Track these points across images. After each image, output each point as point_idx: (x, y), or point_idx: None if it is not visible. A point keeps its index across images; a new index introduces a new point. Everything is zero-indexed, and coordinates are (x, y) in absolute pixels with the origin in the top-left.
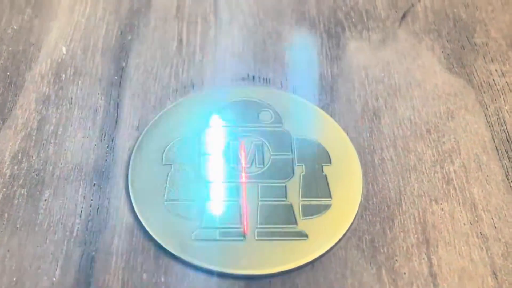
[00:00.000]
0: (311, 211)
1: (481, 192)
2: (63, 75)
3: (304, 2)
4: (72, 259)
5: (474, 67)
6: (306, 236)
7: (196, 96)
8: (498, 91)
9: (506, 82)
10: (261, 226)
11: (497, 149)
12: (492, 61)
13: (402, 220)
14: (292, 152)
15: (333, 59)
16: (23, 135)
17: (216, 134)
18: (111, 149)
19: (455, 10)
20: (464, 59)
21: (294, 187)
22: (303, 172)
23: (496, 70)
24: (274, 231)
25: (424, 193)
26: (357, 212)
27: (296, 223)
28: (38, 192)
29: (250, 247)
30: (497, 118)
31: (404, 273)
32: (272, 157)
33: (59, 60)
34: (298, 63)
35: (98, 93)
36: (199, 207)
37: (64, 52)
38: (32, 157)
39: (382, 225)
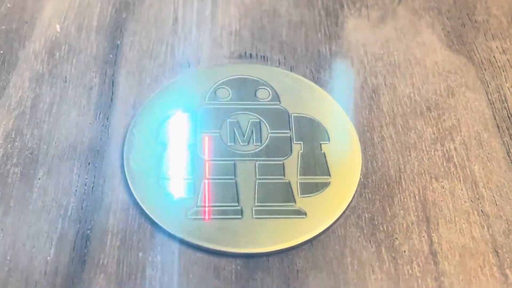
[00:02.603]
0: (309, 189)
1: (482, 169)
2: (57, 53)
3: None
4: (67, 238)
5: (475, 44)
6: (305, 214)
7: (192, 74)
8: (499, 68)
9: (507, 59)
10: (258, 204)
11: (498, 126)
12: (493, 38)
13: (402, 198)
14: (290, 130)
15: (331, 36)
16: (16, 113)
17: (212, 112)
18: (106, 128)
19: None
20: (465, 36)
21: (292, 165)
22: (301, 150)
23: (497, 47)
24: (272, 209)
25: (424, 171)
26: (356, 190)
27: (294, 201)
28: (32, 171)
29: (247, 225)
30: (498, 95)
31: (404, 251)
32: (269, 135)
33: (53, 38)
34: (296, 40)
35: (93, 72)
36: (195, 185)
37: (58, 30)
38: (26, 135)
39: (381, 203)
